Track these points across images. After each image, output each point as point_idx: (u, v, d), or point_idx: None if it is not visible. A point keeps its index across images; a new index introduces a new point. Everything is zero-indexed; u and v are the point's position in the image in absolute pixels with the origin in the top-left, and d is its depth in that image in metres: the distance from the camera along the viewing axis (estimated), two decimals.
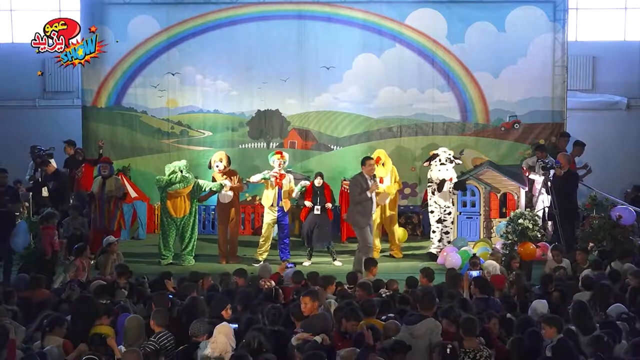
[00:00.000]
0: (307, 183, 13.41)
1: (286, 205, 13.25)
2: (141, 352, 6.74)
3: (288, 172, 13.57)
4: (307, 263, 13.18)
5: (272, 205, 13.20)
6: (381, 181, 13.74)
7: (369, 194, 11.93)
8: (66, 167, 15.10)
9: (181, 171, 13.14)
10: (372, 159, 12.51)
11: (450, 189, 13.65)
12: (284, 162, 13.28)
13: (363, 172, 12.09)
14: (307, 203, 13.24)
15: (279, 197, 13.16)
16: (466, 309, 8.04)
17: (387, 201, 13.65)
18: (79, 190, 14.67)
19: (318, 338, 7.02)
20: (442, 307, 7.82)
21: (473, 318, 7.31)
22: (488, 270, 10.48)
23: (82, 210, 13.22)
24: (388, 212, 13.85)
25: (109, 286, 9.37)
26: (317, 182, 13.33)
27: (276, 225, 13.40)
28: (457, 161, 13.83)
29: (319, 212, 13.17)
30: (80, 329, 7.57)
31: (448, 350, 6.85)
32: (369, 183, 11.96)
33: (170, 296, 8.82)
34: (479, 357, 6.90)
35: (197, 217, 13.70)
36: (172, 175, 13.07)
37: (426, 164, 13.95)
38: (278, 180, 13.14)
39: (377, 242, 13.89)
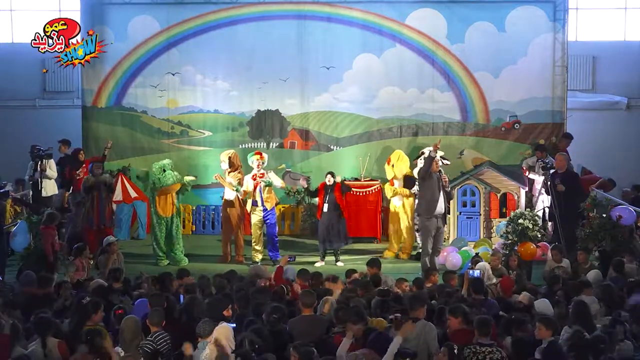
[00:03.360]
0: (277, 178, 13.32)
1: (271, 202, 13.24)
2: (139, 356, 6.76)
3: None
4: (319, 264, 13.14)
5: (253, 206, 13.20)
6: (391, 183, 13.79)
7: None
8: (59, 166, 15.08)
9: (171, 169, 13.17)
10: None
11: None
12: (263, 163, 13.29)
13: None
14: (315, 200, 13.23)
15: (261, 198, 13.16)
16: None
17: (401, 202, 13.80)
18: (78, 190, 14.64)
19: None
20: (450, 306, 7.81)
21: (487, 318, 7.30)
22: (482, 271, 10.50)
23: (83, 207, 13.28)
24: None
25: (105, 289, 9.39)
26: (328, 180, 13.29)
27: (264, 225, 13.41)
28: (445, 162, 13.77)
29: (327, 211, 13.13)
30: (72, 328, 7.62)
31: (455, 350, 6.84)
32: None
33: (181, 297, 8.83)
34: None
35: (180, 216, 13.73)
36: (162, 174, 13.06)
37: (415, 162, 13.98)
38: (257, 182, 13.10)
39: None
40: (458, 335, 7.36)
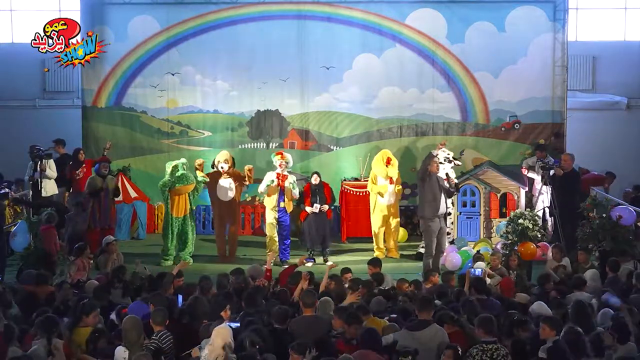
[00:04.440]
0: (296, 188, 13.42)
1: (289, 206, 13.30)
2: (149, 354, 6.78)
3: (290, 172, 13.61)
4: (309, 264, 13.16)
5: (274, 206, 13.26)
6: (391, 182, 13.81)
7: None
8: (57, 166, 15.06)
9: (186, 169, 13.20)
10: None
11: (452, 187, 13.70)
12: (286, 163, 13.32)
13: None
14: (308, 209, 13.31)
15: (281, 198, 13.21)
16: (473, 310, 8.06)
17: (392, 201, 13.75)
18: (78, 190, 14.65)
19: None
20: (439, 313, 7.84)
21: (489, 316, 7.35)
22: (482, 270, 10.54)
23: (83, 207, 13.30)
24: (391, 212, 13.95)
25: (106, 286, 9.40)
26: (314, 180, 13.35)
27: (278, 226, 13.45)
28: (457, 162, 13.78)
29: (317, 212, 13.18)
30: (68, 328, 7.65)
31: (459, 351, 6.91)
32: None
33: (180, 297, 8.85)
34: (496, 356, 6.93)
35: (195, 217, 13.76)
36: (176, 173, 13.07)
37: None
38: (280, 182, 13.19)
39: (381, 242, 13.97)
40: (452, 338, 7.40)
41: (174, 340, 7.35)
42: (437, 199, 12.08)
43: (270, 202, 13.37)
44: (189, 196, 13.34)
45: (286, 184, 13.22)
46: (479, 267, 10.62)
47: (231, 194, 13.44)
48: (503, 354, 6.96)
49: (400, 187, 14.01)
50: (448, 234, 13.76)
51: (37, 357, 7.02)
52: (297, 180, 13.87)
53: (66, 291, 9.34)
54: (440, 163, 13.53)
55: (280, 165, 13.27)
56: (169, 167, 13.22)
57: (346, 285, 9.72)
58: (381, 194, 13.83)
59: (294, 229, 14.97)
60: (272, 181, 13.25)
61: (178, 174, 13.07)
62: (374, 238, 14.11)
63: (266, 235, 13.60)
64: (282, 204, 13.26)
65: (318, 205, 13.24)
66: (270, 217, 13.38)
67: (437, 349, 7.23)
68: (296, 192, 13.40)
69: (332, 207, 13.62)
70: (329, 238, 13.37)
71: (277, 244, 13.35)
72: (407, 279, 10.29)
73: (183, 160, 13.40)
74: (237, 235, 13.84)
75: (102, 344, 7.23)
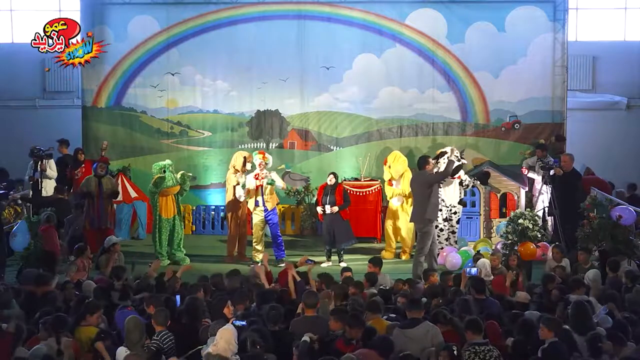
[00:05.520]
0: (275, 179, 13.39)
1: (272, 203, 13.26)
2: (144, 355, 6.78)
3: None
4: (325, 264, 13.09)
5: (255, 206, 13.23)
6: (389, 184, 13.78)
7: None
8: (58, 166, 15.07)
9: (172, 170, 13.15)
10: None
11: (466, 185, 13.69)
12: (266, 164, 13.26)
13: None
14: (319, 209, 13.23)
15: (262, 198, 13.18)
16: (467, 309, 8.07)
17: (400, 203, 13.73)
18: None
19: (307, 337, 7.02)
20: (431, 312, 7.85)
21: (476, 318, 7.37)
22: (480, 269, 10.54)
23: (83, 208, 13.30)
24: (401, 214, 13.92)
25: (106, 287, 9.39)
26: (330, 180, 13.30)
27: (267, 226, 13.42)
28: (463, 161, 13.79)
29: (329, 212, 13.11)
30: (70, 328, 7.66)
31: (455, 351, 6.91)
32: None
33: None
34: (489, 358, 6.93)
35: (181, 215, 13.75)
36: (161, 184, 13.01)
37: (434, 161, 13.91)
38: (259, 180, 13.13)
39: (393, 243, 13.96)
40: (445, 337, 7.42)
41: (174, 340, 7.36)
42: (438, 202, 12.07)
43: (250, 204, 13.33)
44: (175, 196, 13.31)
45: (264, 181, 13.13)
46: (479, 266, 10.63)
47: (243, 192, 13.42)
48: (495, 356, 6.95)
49: (397, 188, 13.86)
50: (454, 232, 13.76)
51: (42, 357, 7.02)
52: (297, 180, 13.86)
53: (69, 291, 9.35)
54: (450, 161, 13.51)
55: (259, 165, 13.21)
56: (155, 169, 13.15)
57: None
58: (393, 196, 13.79)
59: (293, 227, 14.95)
60: (244, 187, 13.20)
61: (164, 183, 13.01)
62: (386, 239, 14.06)
63: (267, 235, 13.58)
64: (266, 204, 13.18)
65: (328, 207, 13.15)
66: (256, 218, 13.34)
67: (431, 345, 7.23)
68: (279, 184, 13.35)
69: (345, 208, 13.45)
70: (340, 239, 13.24)
71: (262, 244, 13.31)
72: (402, 279, 10.33)
73: (168, 161, 13.34)
74: (247, 235, 13.85)
75: (107, 345, 7.22)
